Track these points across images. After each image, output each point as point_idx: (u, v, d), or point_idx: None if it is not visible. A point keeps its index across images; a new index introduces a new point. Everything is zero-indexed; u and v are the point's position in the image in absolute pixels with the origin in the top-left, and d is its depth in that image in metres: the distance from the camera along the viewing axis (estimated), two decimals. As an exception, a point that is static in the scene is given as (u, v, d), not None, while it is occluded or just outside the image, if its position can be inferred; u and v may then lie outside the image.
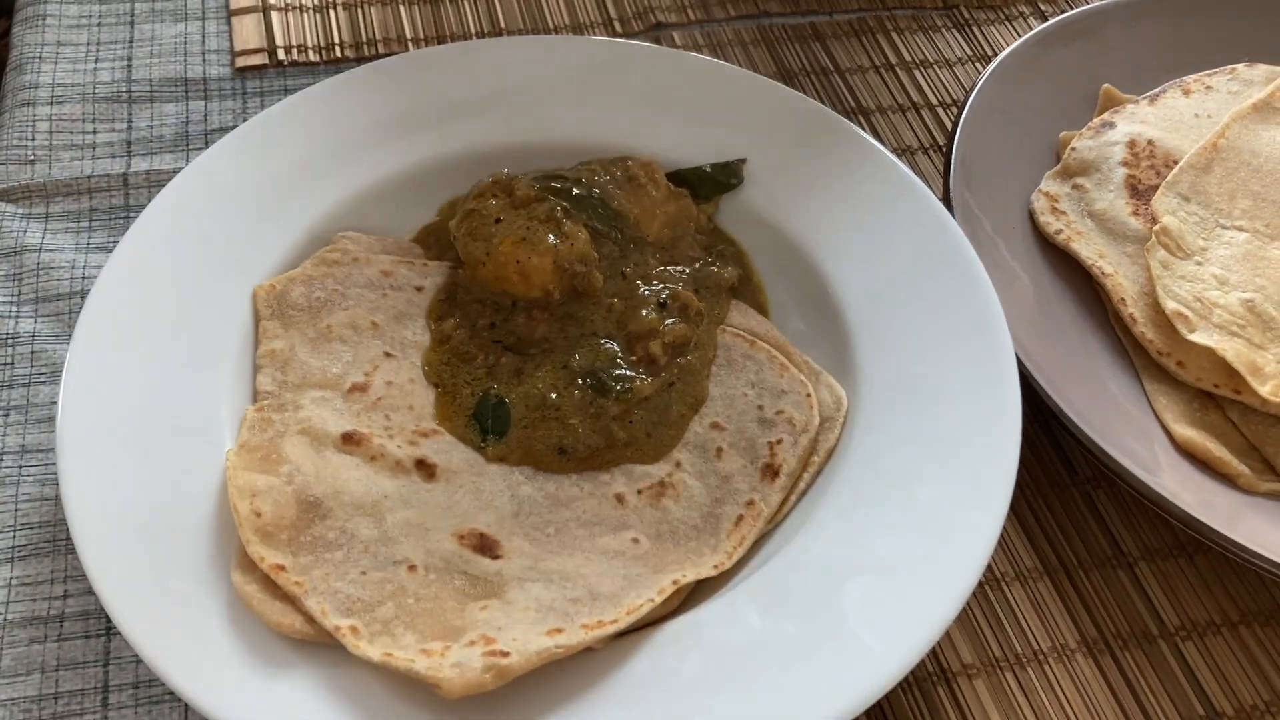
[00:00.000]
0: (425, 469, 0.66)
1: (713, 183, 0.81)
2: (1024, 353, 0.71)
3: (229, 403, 0.67)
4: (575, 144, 0.82)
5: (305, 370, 0.69)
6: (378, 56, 0.96)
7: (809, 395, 0.70)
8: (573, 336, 0.72)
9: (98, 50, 0.95)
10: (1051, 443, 0.76)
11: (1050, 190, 0.84)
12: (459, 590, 0.60)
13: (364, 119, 0.81)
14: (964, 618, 0.68)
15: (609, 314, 0.73)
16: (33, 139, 0.88)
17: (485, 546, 0.62)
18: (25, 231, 0.82)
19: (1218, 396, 0.74)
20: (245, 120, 0.81)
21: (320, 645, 0.57)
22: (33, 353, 0.75)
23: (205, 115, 0.91)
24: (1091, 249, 0.80)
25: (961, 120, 0.84)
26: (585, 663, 0.58)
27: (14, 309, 0.77)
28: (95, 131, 0.89)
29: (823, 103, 0.86)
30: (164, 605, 0.57)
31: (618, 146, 0.82)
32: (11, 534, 0.67)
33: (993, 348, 0.68)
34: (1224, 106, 0.89)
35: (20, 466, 0.70)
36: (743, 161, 0.82)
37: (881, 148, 0.79)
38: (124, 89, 0.92)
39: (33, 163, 0.86)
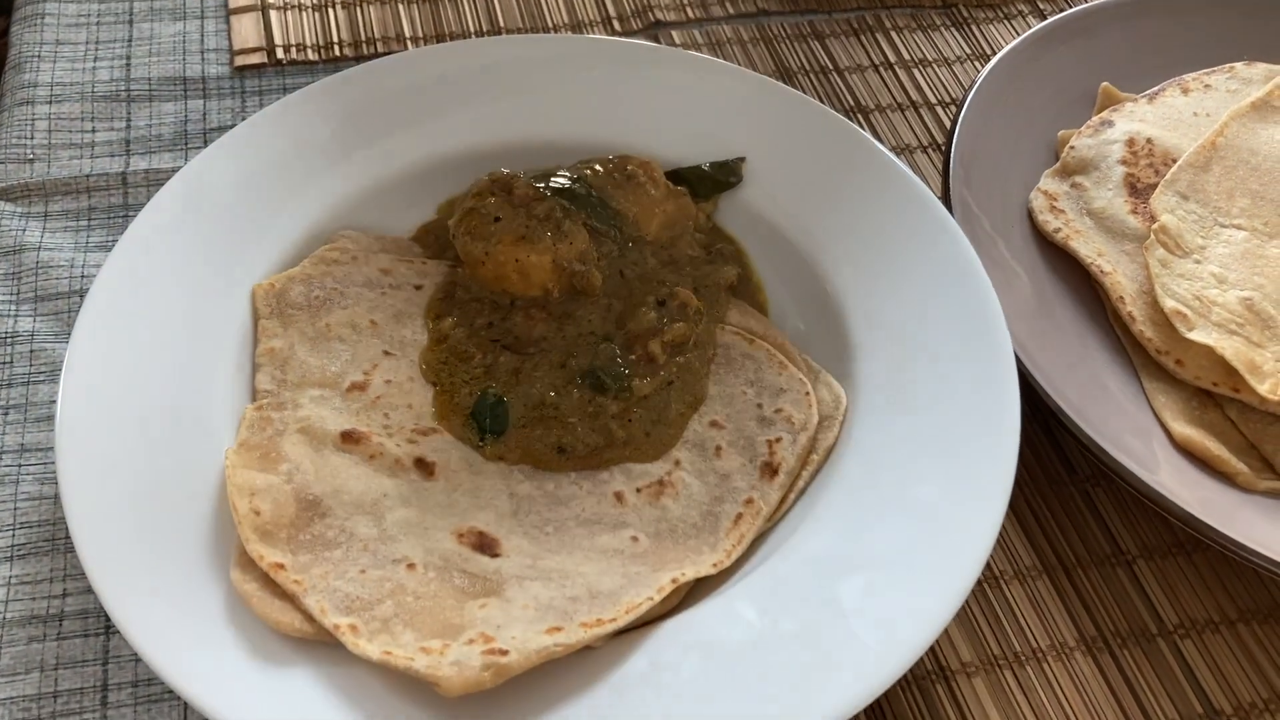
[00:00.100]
0: (424, 467, 0.66)
1: (712, 181, 0.81)
2: (1023, 351, 0.71)
3: (228, 401, 0.67)
4: (574, 143, 0.82)
5: (304, 369, 0.69)
6: (377, 55, 0.96)
7: (808, 393, 0.70)
8: (571, 335, 0.72)
9: (96, 49, 0.95)
10: (1050, 441, 0.76)
11: (1049, 189, 0.84)
12: (458, 588, 0.60)
13: (363, 118, 0.81)
14: (963, 616, 0.68)
15: (608, 313, 0.73)
16: (31, 138, 0.88)
17: (484, 545, 0.62)
18: (24, 230, 0.81)
19: (1216, 395, 0.74)
20: (244, 119, 0.81)
21: (319, 643, 0.57)
22: (32, 351, 0.75)
23: (204, 114, 0.91)
24: (1090, 247, 0.80)
25: (960, 119, 0.84)
26: (584, 661, 0.58)
27: (13, 308, 0.77)
28: (94, 130, 0.89)
29: (822, 101, 0.86)
30: (163, 604, 0.57)
31: (617, 145, 0.82)
32: (11, 532, 0.67)
33: (992, 346, 0.68)
34: (1223, 105, 0.89)
35: (19, 465, 0.70)
36: (742, 160, 0.82)
37: (881, 146, 0.79)
38: (123, 88, 0.92)
39: (31, 161, 0.86)
